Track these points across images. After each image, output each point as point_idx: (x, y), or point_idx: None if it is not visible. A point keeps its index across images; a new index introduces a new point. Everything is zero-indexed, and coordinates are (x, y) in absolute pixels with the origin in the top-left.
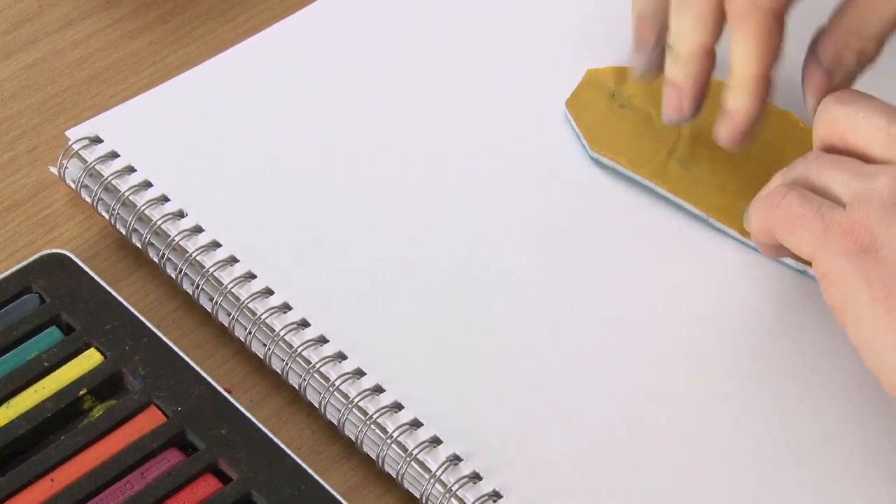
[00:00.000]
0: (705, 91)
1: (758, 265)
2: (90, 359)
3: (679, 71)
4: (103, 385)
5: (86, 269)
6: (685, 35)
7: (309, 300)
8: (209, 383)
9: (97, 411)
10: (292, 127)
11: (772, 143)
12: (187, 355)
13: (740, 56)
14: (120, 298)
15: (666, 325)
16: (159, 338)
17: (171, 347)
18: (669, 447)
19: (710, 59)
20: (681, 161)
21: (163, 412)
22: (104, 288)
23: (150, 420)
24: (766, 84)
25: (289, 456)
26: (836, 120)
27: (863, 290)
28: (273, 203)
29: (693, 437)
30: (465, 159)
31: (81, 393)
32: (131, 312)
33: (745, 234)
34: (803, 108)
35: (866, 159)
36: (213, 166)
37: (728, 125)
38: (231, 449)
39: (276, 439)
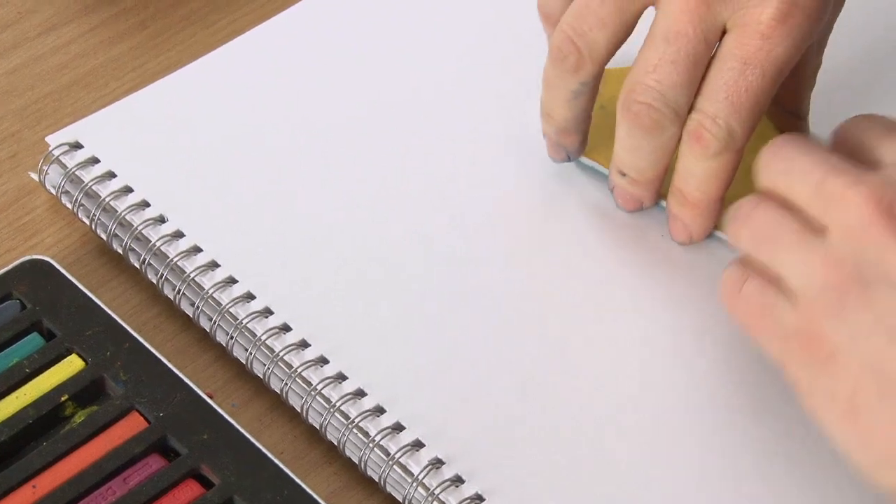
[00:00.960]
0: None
1: None
2: (71, 365)
3: (635, 190)
4: (85, 391)
5: (66, 274)
6: (641, 169)
7: (290, 304)
8: (191, 388)
9: (79, 417)
10: (273, 131)
11: (754, 147)
12: (169, 360)
13: (699, 182)
14: (101, 304)
15: (650, 328)
16: (140, 343)
17: (152, 353)
18: (651, 450)
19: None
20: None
21: (144, 418)
22: (85, 294)
23: (131, 426)
24: (721, 205)
25: (271, 461)
26: (772, 175)
27: (829, 405)
28: (254, 208)
29: (676, 442)
30: (449, 161)
31: (63, 399)
32: (112, 318)
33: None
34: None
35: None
36: (194, 171)
37: (682, 231)
38: (213, 454)
39: (258, 444)
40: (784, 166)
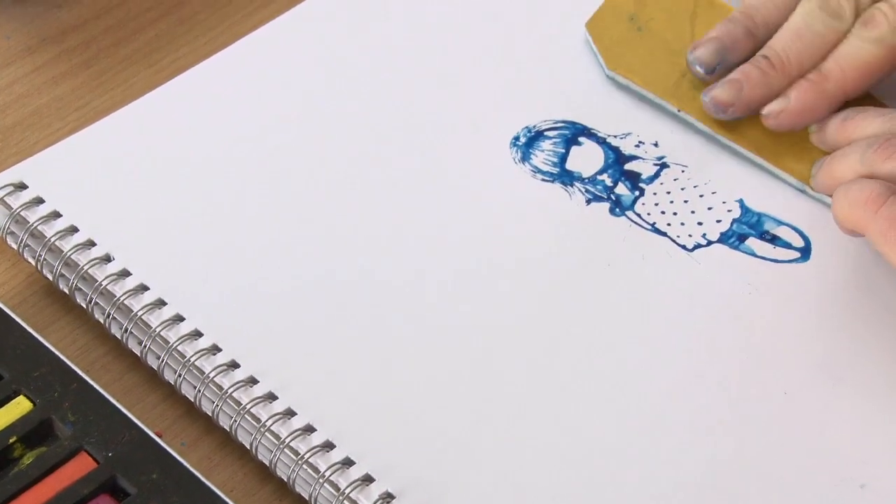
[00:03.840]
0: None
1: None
2: (19, 406)
3: (759, 81)
4: (33, 432)
5: (13, 315)
6: (791, 52)
7: (238, 341)
8: (139, 428)
9: (27, 459)
10: (215, 167)
11: None
12: (117, 400)
13: (846, 59)
14: (48, 345)
15: (595, 363)
16: (88, 383)
17: (100, 393)
18: (601, 472)
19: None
20: (693, 83)
21: (93, 458)
22: (32, 335)
23: (80, 466)
24: (846, 98)
25: (221, 499)
26: None
27: None
28: (200, 245)
29: (627, 458)
30: (393, 196)
31: (11, 441)
32: (60, 359)
33: (750, 148)
34: None
35: None
36: (139, 209)
37: (777, 107)
38: (163, 493)
39: (208, 483)
40: None
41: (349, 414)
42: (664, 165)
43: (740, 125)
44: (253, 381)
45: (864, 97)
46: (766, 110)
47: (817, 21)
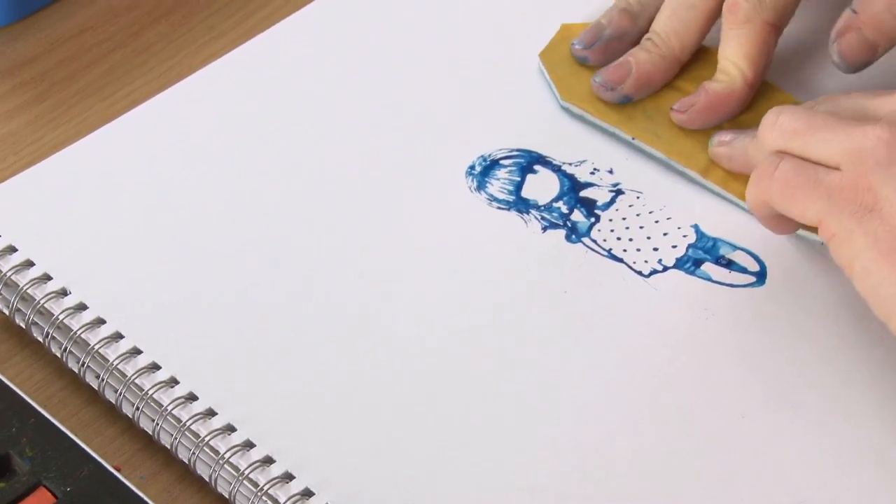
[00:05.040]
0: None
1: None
2: None
3: (647, 59)
4: None
5: None
6: (669, 30)
7: (196, 373)
8: (98, 462)
9: None
10: (172, 200)
11: None
12: (75, 434)
13: (735, 58)
14: (4, 380)
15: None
16: (46, 418)
17: (58, 427)
18: None
19: (680, 62)
20: (646, 111)
21: (52, 493)
22: None
23: (39, 502)
24: (752, 91)
25: None
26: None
27: (868, 247)
28: (157, 278)
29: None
30: (350, 230)
31: None
32: (17, 393)
33: (704, 173)
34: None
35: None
36: (96, 243)
37: (691, 108)
38: None
39: None
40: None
41: (308, 444)
42: (619, 192)
43: (694, 151)
44: (211, 413)
45: (768, 89)
46: (676, 107)
47: None
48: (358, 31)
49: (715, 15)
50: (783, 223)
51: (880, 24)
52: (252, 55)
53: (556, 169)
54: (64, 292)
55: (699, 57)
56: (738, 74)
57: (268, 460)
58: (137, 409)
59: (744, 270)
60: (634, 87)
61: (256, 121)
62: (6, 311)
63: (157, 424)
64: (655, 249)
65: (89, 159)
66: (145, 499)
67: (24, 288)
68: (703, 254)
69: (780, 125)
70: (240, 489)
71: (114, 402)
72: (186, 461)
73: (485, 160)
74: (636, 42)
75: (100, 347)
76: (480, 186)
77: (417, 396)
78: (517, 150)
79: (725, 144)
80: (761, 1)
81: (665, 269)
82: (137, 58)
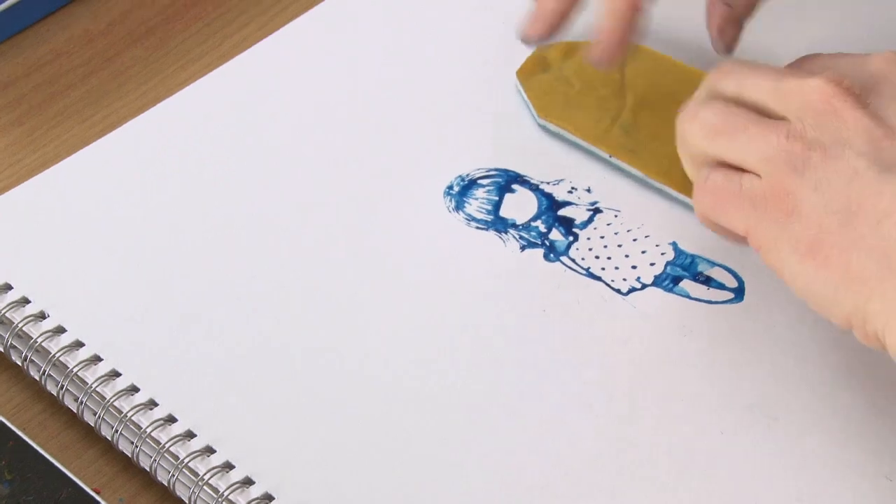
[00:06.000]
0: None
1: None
2: None
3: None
4: None
5: None
6: None
7: (175, 396)
8: (77, 485)
9: None
10: (151, 223)
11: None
12: (54, 457)
13: None
14: None
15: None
16: (25, 441)
17: (37, 450)
18: None
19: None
20: (623, 127)
21: None
22: None
23: None
24: (635, 11)
25: None
26: (725, 89)
27: (792, 250)
28: (135, 300)
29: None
30: (328, 253)
31: None
32: None
33: (681, 190)
34: None
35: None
36: (74, 266)
37: (598, 46)
38: None
39: None
40: (734, 81)
41: (286, 466)
42: (597, 210)
43: (671, 167)
44: (190, 434)
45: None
46: (591, 56)
47: None
48: (333, 52)
49: None
50: (734, 235)
51: None
52: (228, 78)
53: (534, 188)
54: (42, 315)
55: (677, 76)
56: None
57: (247, 481)
58: (116, 431)
59: (722, 287)
60: (546, 28)
61: (233, 143)
62: None
63: (137, 447)
64: (634, 267)
65: (67, 182)
66: None
67: (3, 311)
68: (681, 271)
69: (700, 120)
70: None
71: (93, 424)
72: (166, 483)
73: (463, 180)
74: None
75: (78, 370)
76: (459, 206)
77: (396, 417)
78: (495, 170)
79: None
80: None
81: (643, 286)
82: (114, 81)
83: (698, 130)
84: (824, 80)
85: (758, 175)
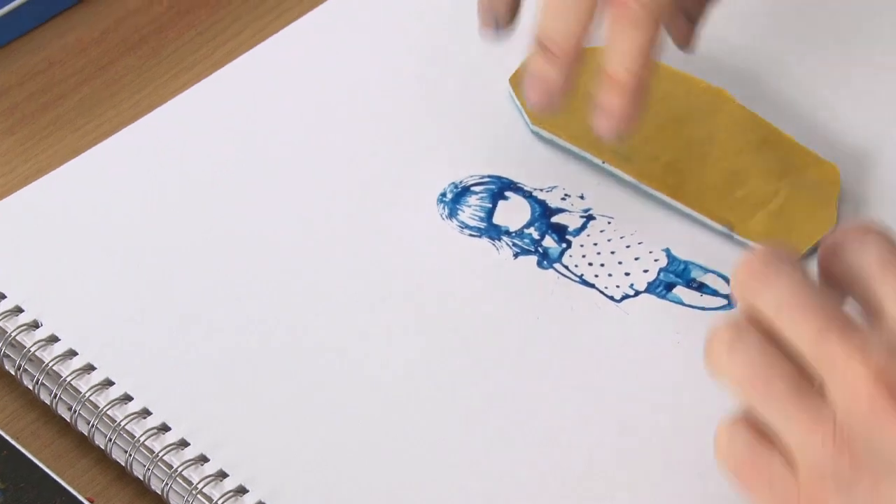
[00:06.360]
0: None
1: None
2: None
3: (551, 69)
4: None
5: None
6: (559, 31)
7: (168, 404)
8: (71, 494)
9: None
10: (145, 231)
11: (702, 117)
12: (48, 466)
13: (623, 57)
14: None
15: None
16: (18, 450)
17: (31, 460)
18: None
19: (580, 53)
20: None
21: None
22: None
23: None
24: (643, 84)
25: None
26: (760, 305)
27: None
28: (128, 308)
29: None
30: (316, 267)
31: None
32: None
33: (674, 196)
34: (733, 84)
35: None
36: (69, 274)
37: (605, 121)
38: None
39: None
40: (770, 294)
41: (280, 475)
42: (590, 217)
43: (665, 174)
44: (184, 443)
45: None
46: (600, 130)
47: None
48: (326, 60)
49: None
50: None
51: None
52: (220, 86)
53: (528, 195)
54: (36, 324)
55: (670, 81)
56: (627, 73)
57: (241, 490)
58: (110, 440)
59: (715, 293)
60: (552, 96)
61: (226, 151)
62: None
63: (130, 455)
64: (627, 274)
65: (60, 191)
66: None
67: None
68: (674, 277)
69: (733, 361)
70: None
71: (86, 433)
72: (160, 492)
73: (456, 187)
74: None
75: (72, 379)
76: (452, 214)
77: (391, 426)
78: (488, 177)
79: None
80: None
81: (637, 293)
82: (107, 90)
83: (729, 370)
84: (869, 372)
85: (797, 473)
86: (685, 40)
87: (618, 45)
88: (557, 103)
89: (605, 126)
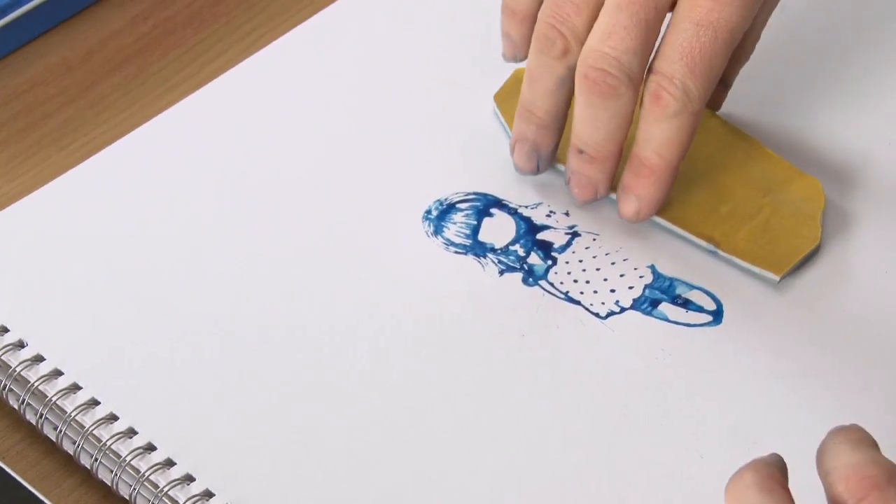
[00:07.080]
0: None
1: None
2: None
3: (592, 170)
4: None
5: None
6: (599, 141)
7: (154, 423)
8: None
9: None
10: (129, 250)
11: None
12: (34, 487)
13: (658, 145)
14: None
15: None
16: (5, 471)
17: (16, 480)
18: None
19: (620, 152)
20: None
21: None
22: None
23: None
24: (674, 176)
25: None
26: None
27: None
28: (113, 328)
29: None
30: (299, 289)
31: None
32: None
33: (659, 213)
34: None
35: None
36: (54, 294)
37: (631, 206)
38: None
39: None
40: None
41: (266, 494)
42: (576, 234)
43: None
44: (170, 462)
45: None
46: (623, 213)
47: (597, 106)
48: (310, 77)
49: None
50: None
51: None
52: (206, 102)
53: (513, 212)
54: (21, 344)
55: None
56: (664, 163)
57: None
58: (96, 460)
59: (700, 309)
60: (596, 194)
61: (210, 169)
62: None
63: (116, 475)
64: (612, 291)
65: (45, 211)
66: None
67: None
68: (659, 294)
69: None
70: None
71: (72, 453)
72: None
73: (441, 204)
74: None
75: (58, 399)
76: (437, 231)
77: (377, 443)
78: (473, 194)
79: None
80: (688, 93)
81: (622, 310)
82: (93, 109)
83: None
84: None
85: None
86: (716, 105)
87: (654, 132)
88: (604, 195)
89: (630, 210)
